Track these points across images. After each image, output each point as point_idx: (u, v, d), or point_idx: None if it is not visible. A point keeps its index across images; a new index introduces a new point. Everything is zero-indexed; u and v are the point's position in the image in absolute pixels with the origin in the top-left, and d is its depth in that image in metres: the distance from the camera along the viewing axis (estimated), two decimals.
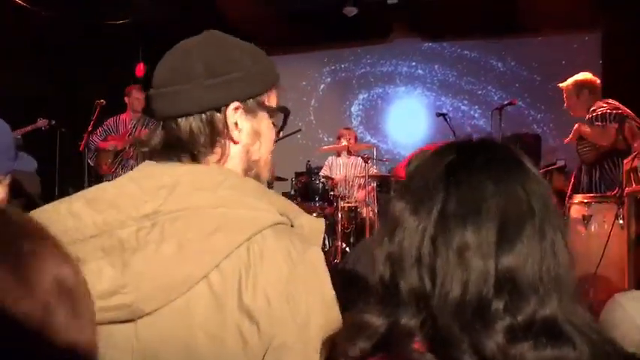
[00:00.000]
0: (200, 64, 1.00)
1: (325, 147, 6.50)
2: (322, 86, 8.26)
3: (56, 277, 0.53)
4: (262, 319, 0.87)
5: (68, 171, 6.01)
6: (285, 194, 5.97)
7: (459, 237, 0.75)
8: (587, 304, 0.80)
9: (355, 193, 6.15)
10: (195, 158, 1.02)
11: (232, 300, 0.88)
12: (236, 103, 1.02)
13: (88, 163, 5.71)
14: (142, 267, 0.88)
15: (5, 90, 5.90)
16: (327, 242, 5.60)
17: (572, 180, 4.42)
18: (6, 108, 6.00)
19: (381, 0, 6.78)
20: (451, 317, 0.73)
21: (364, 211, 5.75)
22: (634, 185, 3.45)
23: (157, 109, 1.03)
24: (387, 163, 6.75)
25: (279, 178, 5.90)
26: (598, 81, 4.38)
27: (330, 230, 5.57)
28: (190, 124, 1.00)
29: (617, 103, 4.17)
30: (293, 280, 0.90)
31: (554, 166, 5.32)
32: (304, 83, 8.17)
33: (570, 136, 4.33)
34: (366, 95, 8.08)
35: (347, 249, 5.50)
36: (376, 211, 5.71)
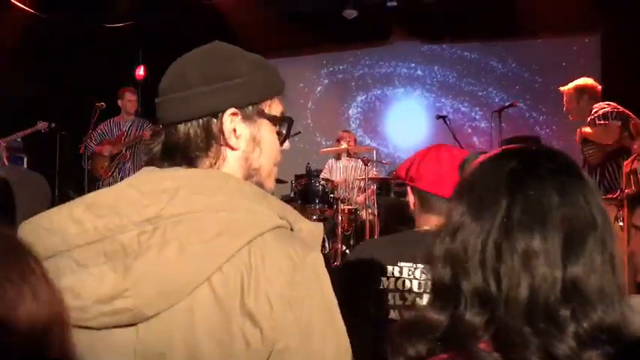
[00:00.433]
0: (197, 72, 1.02)
1: (325, 149, 6.50)
2: (320, 88, 8.23)
3: None
4: (265, 323, 0.88)
5: (68, 174, 6.02)
6: (285, 197, 5.97)
7: (525, 244, 0.77)
8: None
9: (355, 195, 6.15)
10: (191, 162, 1.03)
11: (235, 303, 0.89)
12: (233, 109, 1.03)
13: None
14: (144, 271, 0.88)
15: (6, 92, 5.91)
16: (326, 245, 5.60)
17: None
18: (6, 110, 6.01)
19: (381, 3, 6.79)
20: (521, 319, 0.76)
21: (364, 214, 5.75)
22: (634, 187, 3.45)
23: (160, 116, 1.06)
24: (387, 166, 6.75)
25: (279, 181, 5.90)
26: (599, 87, 4.39)
27: (330, 233, 5.57)
28: (188, 129, 1.02)
29: (617, 105, 4.18)
30: (295, 284, 0.91)
31: None
32: (302, 85, 8.15)
33: (577, 139, 4.34)
34: (364, 97, 8.04)
35: (347, 251, 5.50)
36: (376, 213, 5.71)
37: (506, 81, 7.35)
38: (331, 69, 8.18)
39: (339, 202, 5.57)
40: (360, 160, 5.90)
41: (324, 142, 7.79)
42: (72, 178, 6.01)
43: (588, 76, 4.54)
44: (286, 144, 1.14)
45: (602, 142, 4.14)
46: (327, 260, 5.17)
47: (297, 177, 5.98)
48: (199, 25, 6.35)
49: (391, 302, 1.66)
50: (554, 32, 6.56)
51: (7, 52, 6.11)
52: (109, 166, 5.63)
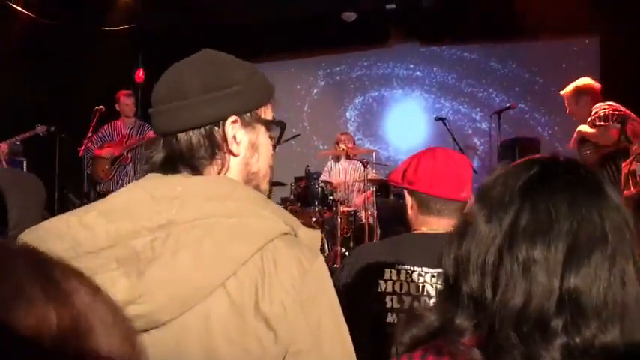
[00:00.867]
0: (196, 80, 1.03)
1: (324, 152, 6.50)
2: (316, 90, 8.20)
3: None
4: (279, 326, 0.90)
5: (68, 177, 6.02)
6: (284, 199, 5.97)
7: (526, 251, 0.77)
8: None
9: (354, 197, 6.15)
10: (195, 171, 1.05)
11: (250, 307, 0.90)
12: (234, 117, 1.05)
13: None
14: (158, 276, 0.89)
15: (6, 95, 5.92)
16: (326, 247, 5.61)
17: None
18: (6, 114, 6.01)
19: (380, 5, 6.80)
20: (510, 325, 0.76)
21: (363, 216, 5.75)
22: (632, 189, 3.45)
23: (157, 125, 1.07)
24: (386, 166, 6.75)
25: (279, 184, 5.91)
26: (598, 85, 4.37)
27: (330, 235, 5.58)
28: (190, 138, 1.03)
29: (617, 105, 4.18)
30: (305, 288, 0.94)
31: None
32: (298, 87, 8.13)
33: (571, 141, 4.33)
34: (361, 99, 8.00)
35: (346, 253, 5.50)
36: (375, 215, 5.71)
37: (507, 81, 7.34)
38: (328, 71, 8.15)
39: (339, 204, 5.57)
40: (359, 162, 5.91)
41: (321, 147, 7.77)
42: (72, 181, 6.01)
43: (588, 77, 4.53)
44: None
45: (599, 144, 4.14)
46: (327, 263, 5.15)
47: (297, 179, 5.99)
48: (198, 29, 6.36)
49: (389, 305, 1.66)
50: (554, 34, 6.56)
51: (7, 55, 6.12)
52: (109, 169, 5.63)
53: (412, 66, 7.78)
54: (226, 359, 0.89)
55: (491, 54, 7.38)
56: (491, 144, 6.04)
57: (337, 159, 6.38)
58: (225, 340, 0.89)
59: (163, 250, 0.91)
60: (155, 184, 1.01)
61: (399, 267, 1.69)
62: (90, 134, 5.63)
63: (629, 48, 5.84)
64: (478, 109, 7.45)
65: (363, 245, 2.90)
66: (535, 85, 7.17)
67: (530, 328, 0.75)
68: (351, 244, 5.64)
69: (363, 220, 5.71)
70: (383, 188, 6.01)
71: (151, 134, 4.66)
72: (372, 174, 6.01)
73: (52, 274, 0.49)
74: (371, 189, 5.78)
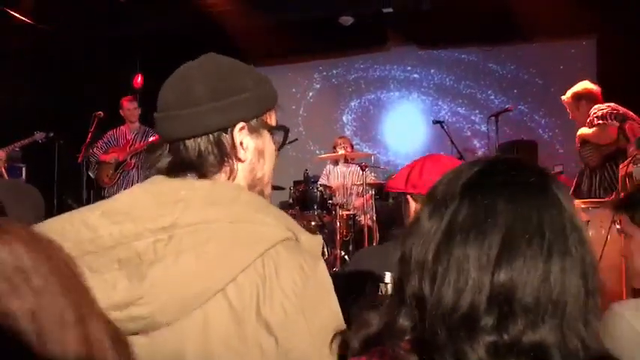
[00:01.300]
0: (206, 87, 1.04)
1: (323, 155, 6.50)
2: (312, 93, 8.18)
3: None
4: (280, 332, 0.90)
5: (67, 183, 6.02)
6: (283, 203, 5.96)
7: (461, 248, 0.77)
8: None
9: (353, 201, 6.15)
10: (204, 177, 1.05)
11: (250, 313, 0.90)
12: (242, 124, 1.06)
13: (88, 175, 5.71)
14: (159, 279, 0.89)
15: (4, 101, 5.92)
16: (326, 250, 5.59)
17: (574, 185, 4.42)
18: (5, 120, 6.01)
19: (377, 9, 6.81)
20: (440, 322, 0.75)
21: (362, 219, 5.75)
22: (629, 190, 3.46)
23: (164, 131, 1.07)
24: (386, 169, 6.75)
25: (278, 187, 5.90)
26: (597, 89, 4.37)
27: (329, 238, 5.57)
28: (199, 144, 1.04)
29: (616, 105, 4.18)
30: (307, 294, 0.94)
31: (552, 172, 5.31)
32: (294, 90, 8.11)
33: (577, 146, 4.34)
34: (358, 102, 7.97)
35: (346, 257, 5.50)
36: (374, 218, 5.71)
37: (505, 84, 7.34)
38: (325, 74, 8.13)
39: (338, 207, 5.57)
40: (357, 165, 5.92)
41: (317, 151, 7.73)
42: (71, 187, 6.00)
43: (585, 79, 4.54)
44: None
45: (599, 143, 4.14)
46: (327, 266, 5.15)
47: (296, 183, 5.99)
48: (196, 34, 6.36)
49: None
50: (551, 35, 6.58)
51: (5, 61, 6.12)
52: (113, 174, 5.63)
53: (409, 68, 7.77)
54: None
55: (489, 56, 7.39)
56: (490, 146, 6.05)
57: (335, 162, 6.38)
58: (223, 346, 0.89)
59: (165, 252, 0.91)
60: (160, 186, 1.02)
61: None
62: (89, 140, 5.63)
63: (626, 49, 5.86)
64: (477, 111, 7.44)
65: (363, 249, 2.91)
66: (534, 86, 7.17)
67: (458, 325, 0.74)
68: (351, 248, 5.63)
69: (363, 224, 5.71)
70: (381, 191, 6.01)
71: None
72: (371, 177, 6.02)
73: None
74: (370, 192, 5.79)
